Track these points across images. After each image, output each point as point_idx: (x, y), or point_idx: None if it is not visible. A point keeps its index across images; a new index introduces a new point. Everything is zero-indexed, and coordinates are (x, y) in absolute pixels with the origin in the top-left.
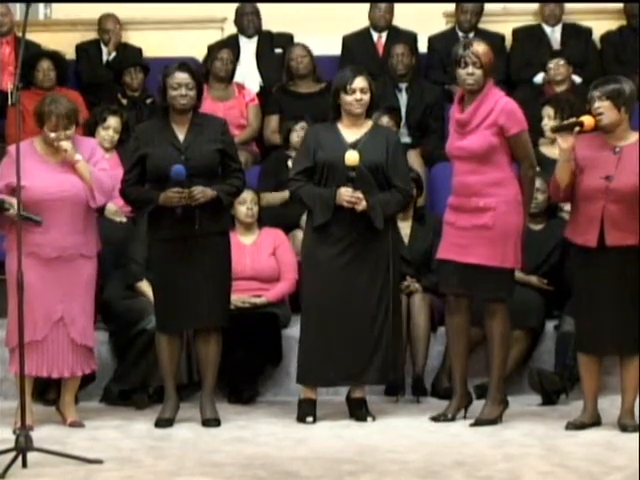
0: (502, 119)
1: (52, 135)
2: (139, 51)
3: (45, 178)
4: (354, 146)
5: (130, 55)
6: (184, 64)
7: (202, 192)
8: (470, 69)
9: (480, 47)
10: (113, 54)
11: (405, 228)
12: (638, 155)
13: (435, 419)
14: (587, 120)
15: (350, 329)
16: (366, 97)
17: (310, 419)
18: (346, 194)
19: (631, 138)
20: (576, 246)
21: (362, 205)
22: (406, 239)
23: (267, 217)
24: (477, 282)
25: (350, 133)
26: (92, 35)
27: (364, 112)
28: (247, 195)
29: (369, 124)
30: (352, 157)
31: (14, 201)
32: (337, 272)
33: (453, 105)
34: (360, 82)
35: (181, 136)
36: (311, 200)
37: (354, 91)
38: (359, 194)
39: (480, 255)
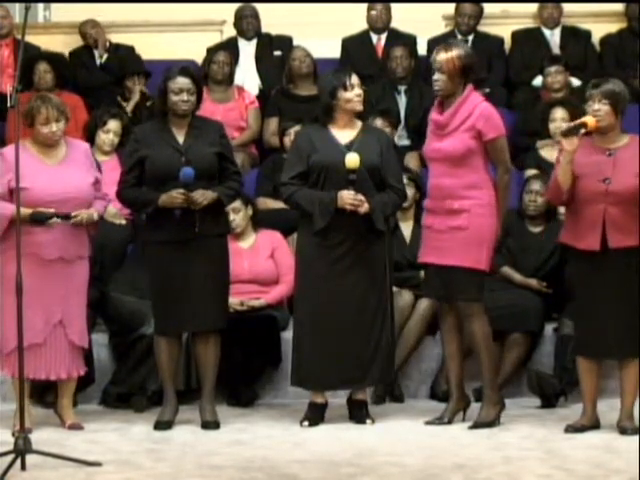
0: (480, 123)
1: (44, 130)
2: (132, 50)
3: (46, 179)
4: (349, 147)
5: (123, 55)
6: (186, 69)
7: (203, 195)
8: (435, 75)
9: (442, 55)
10: (105, 56)
11: (406, 229)
12: (632, 157)
13: (430, 423)
14: (589, 121)
15: (350, 333)
16: (362, 92)
17: (306, 423)
18: (348, 197)
19: (623, 140)
20: (576, 251)
21: (364, 208)
22: (407, 240)
23: (266, 220)
24: (454, 283)
25: (343, 135)
26: None
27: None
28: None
29: (359, 125)
30: (353, 159)
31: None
32: (336, 277)
33: (433, 108)
34: (356, 78)
35: (180, 139)
36: (310, 204)
37: (354, 87)
38: (361, 197)
39: (456, 257)
